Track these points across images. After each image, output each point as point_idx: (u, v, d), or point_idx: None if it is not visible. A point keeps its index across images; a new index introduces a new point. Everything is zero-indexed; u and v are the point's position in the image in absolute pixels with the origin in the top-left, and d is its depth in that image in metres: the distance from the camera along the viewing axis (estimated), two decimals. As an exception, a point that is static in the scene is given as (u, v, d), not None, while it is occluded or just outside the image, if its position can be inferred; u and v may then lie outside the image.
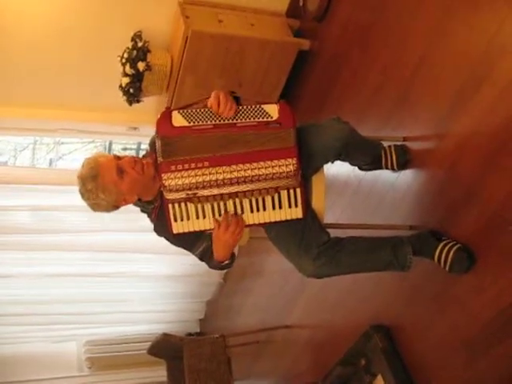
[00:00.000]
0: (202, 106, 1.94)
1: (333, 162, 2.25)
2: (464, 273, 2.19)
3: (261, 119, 1.92)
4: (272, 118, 1.92)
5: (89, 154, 2.05)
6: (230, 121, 1.91)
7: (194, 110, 1.93)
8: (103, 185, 1.95)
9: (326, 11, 3.48)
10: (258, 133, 1.90)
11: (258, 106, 1.94)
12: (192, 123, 1.90)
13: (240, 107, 1.93)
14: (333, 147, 2.13)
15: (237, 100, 1.96)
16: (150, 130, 2.17)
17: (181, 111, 1.92)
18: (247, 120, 1.92)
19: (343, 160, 2.37)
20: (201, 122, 1.90)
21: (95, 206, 2.02)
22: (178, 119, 1.92)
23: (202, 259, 2.19)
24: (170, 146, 1.88)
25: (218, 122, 1.90)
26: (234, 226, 1.95)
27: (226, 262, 2.11)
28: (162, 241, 2.20)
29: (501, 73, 2.13)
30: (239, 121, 1.91)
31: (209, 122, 1.90)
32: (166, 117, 1.92)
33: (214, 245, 2.03)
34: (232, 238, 1.97)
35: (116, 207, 2.04)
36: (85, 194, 1.98)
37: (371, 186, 2.90)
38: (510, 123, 2.06)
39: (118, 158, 1.99)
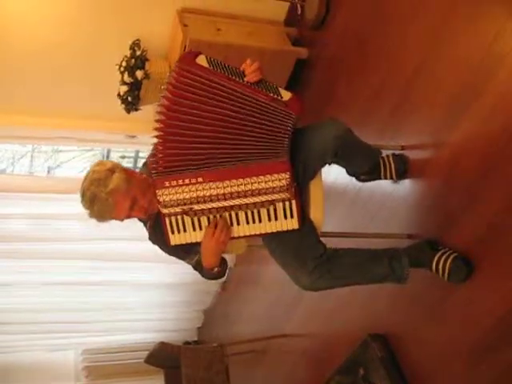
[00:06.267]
0: (231, 64, 1.98)
1: (330, 164, 2.19)
2: (462, 282, 2.18)
3: (271, 95, 1.94)
4: (282, 98, 1.95)
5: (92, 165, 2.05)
6: (246, 83, 1.93)
7: (219, 61, 1.96)
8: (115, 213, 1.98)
9: (323, 20, 3.50)
10: (261, 104, 1.91)
11: (274, 85, 1.98)
12: (212, 68, 1.92)
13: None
14: (329, 145, 2.08)
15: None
16: (148, 139, 2.16)
17: (208, 57, 1.95)
18: (259, 88, 1.94)
19: (340, 163, 2.33)
20: (220, 71, 1.92)
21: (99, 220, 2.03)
22: (202, 60, 1.93)
23: (195, 269, 2.20)
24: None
25: (235, 77, 1.92)
26: (219, 232, 1.95)
27: (216, 269, 2.09)
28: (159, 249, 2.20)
29: (498, 81, 2.13)
30: (253, 86, 1.93)
31: (226, 74, 1.92)
32: (192, 54, 1.96)
33: (202, 251, 2.03)
34: (217, 244, 1.97)
35: None
36: (90, 213, 1.98)
37: (370, 194, 2.90)
38: (507, 131, 2.06)
39: (133, 206, 1.98)
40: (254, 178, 1.88)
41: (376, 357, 2.65)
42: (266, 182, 1.89)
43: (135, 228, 2.35)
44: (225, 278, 2.23)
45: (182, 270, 4.98)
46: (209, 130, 1.90)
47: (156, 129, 1.88)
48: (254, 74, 1.92)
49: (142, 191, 1.99)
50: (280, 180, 1.89)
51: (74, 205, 2.04)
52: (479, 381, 2.18)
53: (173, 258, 2.25)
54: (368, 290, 2.77)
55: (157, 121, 1.87)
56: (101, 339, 5.51)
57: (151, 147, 2.09)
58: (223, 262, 2.13)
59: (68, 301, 5.05)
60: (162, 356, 3.98)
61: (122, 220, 2.00)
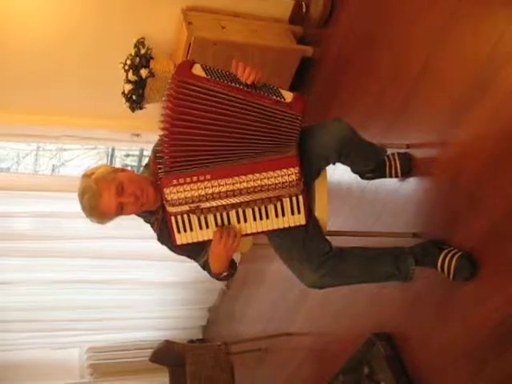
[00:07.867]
0: (226, 70, 1.95)
1: (334, 164, 2.21)
2: (467, 280, 2.17)
3: (274, 97, 1.92)
4: (285, 99, 1.93)
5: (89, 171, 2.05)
6: (246, 88, 1.90)
7: (215, 68, 1.93)
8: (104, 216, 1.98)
9: (328, 18, 3.49)
10: (264, 108, 1.88)
11: (275, 87, 1.96)
12: (209, 76, 1.89)
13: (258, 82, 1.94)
14: (333, 145, 2.08)
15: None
16: (152, 137, 2.17)
17: (203, 65, 1.93)
18: (261, 92, 1.92)
19: (345, 163, 2.32)
20: (218, 79, 1.90)
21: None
22: (197, 70, 1.91)
23: (204, 268, 2.20)
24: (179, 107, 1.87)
25: (234, 84, 1.89)
26: (226, 238, 1.94)
27: (224, 273, 2.10)
28: (165, 248, 2.20)
29: (504, 79, 2.12)
30: (253, 90, 1.90)
31: (225, 81, 1.90)
32: (187, 63, 1.94)
33: (210, 256, 2.03)
34: (225, 251, 1.96)
35: None
36: (83, 208, 1.99)
37: (375, 193, 2.89)
38: (513, 130, 2.06)
39: (120, 191, 1.93)
40: (264, 173, 1.87)
41: (381, 355, 2.65)
42: (275, 177, 1.88)
43: (139, 226, 2.35)
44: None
45: (186, 268, 5.00)
46: (213, 135, 1.88)
47: (161, 135, 1.87)
48: (246, 74, 1.88)
49: (130, 180, 1.96)
50: (289, 175, 1.88)
51: (78, 203, 2.04)
52: (485, 380, 2.17)
53: (177, 256, 2.25)
54: (373, 289, 2.78)
55: (161, 128, 1.86)
56: (106, 337, 5.53)
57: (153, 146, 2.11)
58: (231, 264, 2.12)
59: (73, 298, 5.07)
60: (167, 354, 3.98)
61: (115, 212, 1.95)
